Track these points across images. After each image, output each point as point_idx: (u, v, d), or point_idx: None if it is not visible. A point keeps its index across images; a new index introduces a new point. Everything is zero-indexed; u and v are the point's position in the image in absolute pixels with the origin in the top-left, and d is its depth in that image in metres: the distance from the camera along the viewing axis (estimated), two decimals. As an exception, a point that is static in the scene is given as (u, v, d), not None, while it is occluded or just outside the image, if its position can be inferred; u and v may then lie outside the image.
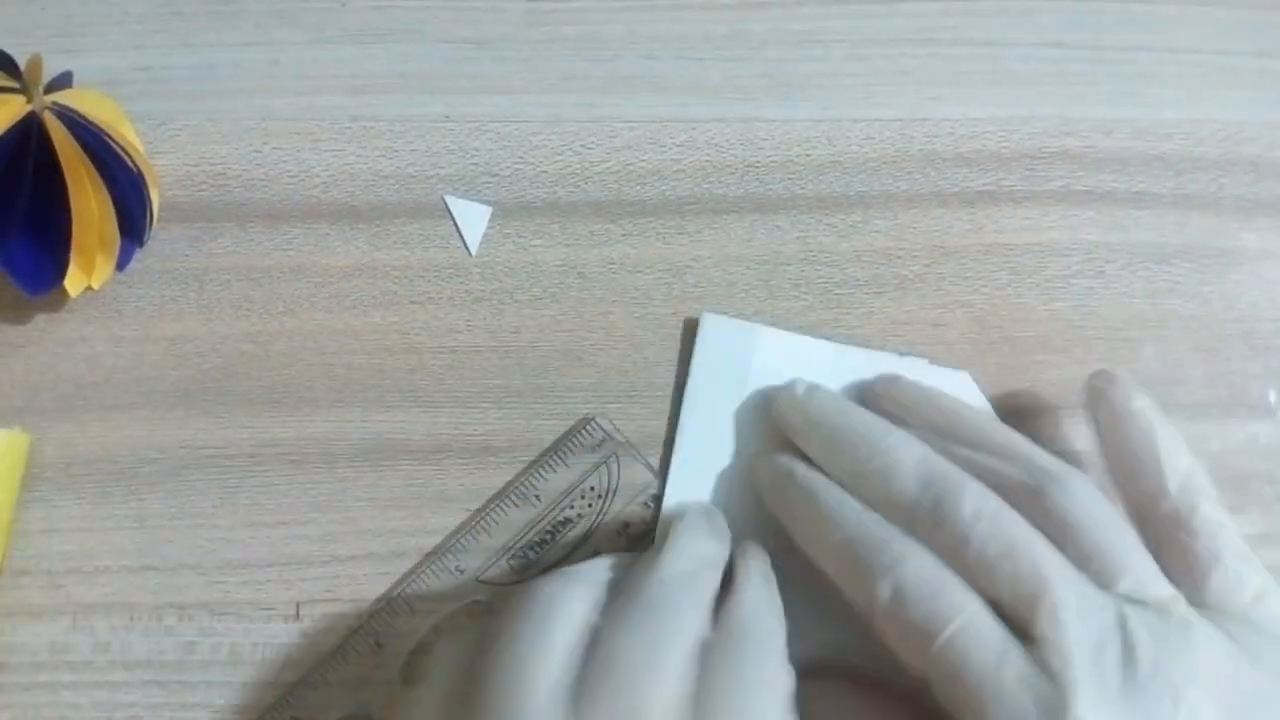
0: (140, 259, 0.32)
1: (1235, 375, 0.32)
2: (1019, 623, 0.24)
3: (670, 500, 0.30)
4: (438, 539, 0.30)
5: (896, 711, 0.26)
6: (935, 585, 0.24)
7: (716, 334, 0.31)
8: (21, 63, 0.28)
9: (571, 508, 0.30)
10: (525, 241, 0.32)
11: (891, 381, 0.30)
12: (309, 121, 0.33)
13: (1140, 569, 0.25)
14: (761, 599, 0.26)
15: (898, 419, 0.29)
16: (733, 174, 0.33)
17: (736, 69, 0.34)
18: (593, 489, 0.30)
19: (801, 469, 0.28)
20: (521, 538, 0.29)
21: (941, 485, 0.26)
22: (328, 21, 0.34)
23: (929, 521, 0.25)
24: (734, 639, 0.24)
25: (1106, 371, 0.29)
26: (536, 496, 0.30)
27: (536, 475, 0.30)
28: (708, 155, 0.34)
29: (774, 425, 0.30)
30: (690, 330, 0.31)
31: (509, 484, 0.30)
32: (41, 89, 0.28)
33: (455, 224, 0.32)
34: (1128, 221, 0.33)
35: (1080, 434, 0.31)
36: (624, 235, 0.33)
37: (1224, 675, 0.23)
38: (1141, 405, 0.28)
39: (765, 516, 0.29)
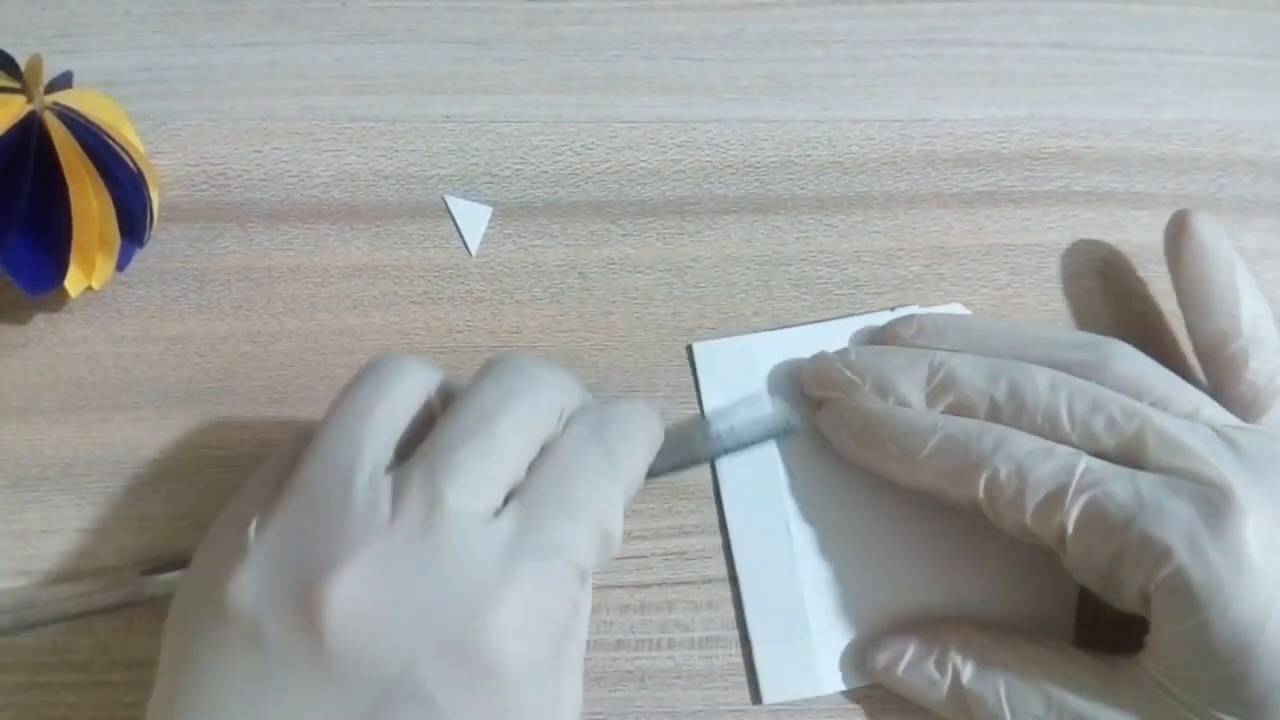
0: (140, 259, 0.32)
1: (1235, 375, 0.32)
2: (1131, 463, 0.25)
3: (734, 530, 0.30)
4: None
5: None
6: (1044, 451, 0.26)
7: (713, 359, 0.31)
8: (22, 63, 0.28)
9: None
10: (525, 241, 0.32)
11: (907, 320, 0.30)
12: (309, 121, 0.33)
13: (1209, 406, 0.27)
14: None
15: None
16: (733, 174, 0.33)
17: (736, 69, 0.34)
18: None
19: (870, 401, 0.29)
20: None
21: (1009, 374, 0.27)
22: (328, 21, 0.34)
23: (1011, 408, 0.27)
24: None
25: (1191, 210, 0.30)
26: None
27: None
28: (708, 155, 0.34)
29: (814, 398, 0.30)
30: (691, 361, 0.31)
31: None
32: (42, 89, 0.28)
33: (455, 224, 0.32)
34: (1128, 221, 0.33)
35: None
36: (624, 235, 0.33)
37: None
38: (1226, 245, 0.29)
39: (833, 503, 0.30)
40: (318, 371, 0.31)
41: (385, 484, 0.22)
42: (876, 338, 0.31)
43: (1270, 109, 0.35)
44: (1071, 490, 0.25)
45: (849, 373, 0.29)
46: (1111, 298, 0.33)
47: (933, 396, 0.28)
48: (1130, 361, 0.27)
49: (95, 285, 0.30)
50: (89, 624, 0.29)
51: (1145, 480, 0.25)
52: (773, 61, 0.35)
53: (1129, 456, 0.25)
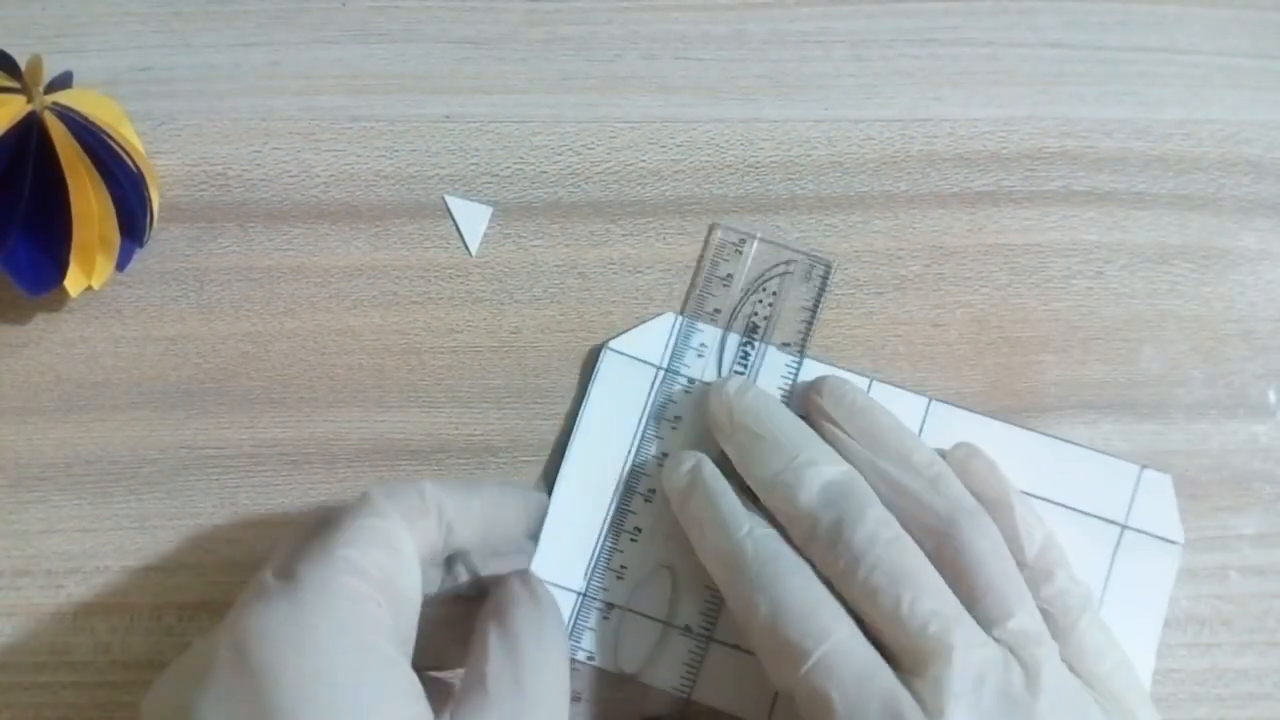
0: (140, 259, 0.32)
1: (1235, 375, 0.32)
2: (898, 652, 0.24)
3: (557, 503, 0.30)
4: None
5: None
6: (811, 605, 0.25)
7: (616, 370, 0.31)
8: (22, 63, 0.28)
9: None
10: (525, 241, 0.32)
11: (837, 384, 0.30)
12: (309, 121, 0.33)
13: (1026, 617, 0.25)
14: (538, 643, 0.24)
15: (833, 423, 0.29)
16: (733, 174, 0.33)
17: (736, 69, 0.34)
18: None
19: (709, 471, 0.28)
20: None
21: (844, 505, 0.26)
22: (328, 21, 0.34)
23: (825, 540, 0.26)
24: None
25: (967, 444, 0.29)
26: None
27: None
28: (708, 155, 0.34)
29: (705, 422, 0.30)
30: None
31: None
32: (42, 89, 0.28)
33: (455, 224, 0.32)
34: (1127, 222, 0.33)
35: (1079, 434, 0.31)
36: (624, 235, 0.33)
37: None
38: (999, 477, 0.28)
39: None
40: (318, 371, 0.31)
41: None
42: (806, 390, 0.30)
43: (1270, 109, 0.35)
44: (811, 659, 0.24)
45: (728, 422, 0.29)
46: (1111, 298, 0.33)
47: (775, 489, 0.27)
48: (979, 541, 0.26)
49: (95, 285, 0.30)
50: (89, 624, 0.29)
51: (879, 680, 0.24)
52: (773, 61, 0.35)
53: (898, 645, 0.25)
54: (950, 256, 0.33)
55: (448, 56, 0.34)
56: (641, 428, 0.30)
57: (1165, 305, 0.33)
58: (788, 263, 0.31)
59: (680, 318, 0.31)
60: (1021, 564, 0.27)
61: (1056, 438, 0.31)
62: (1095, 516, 0.30)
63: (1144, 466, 0.30)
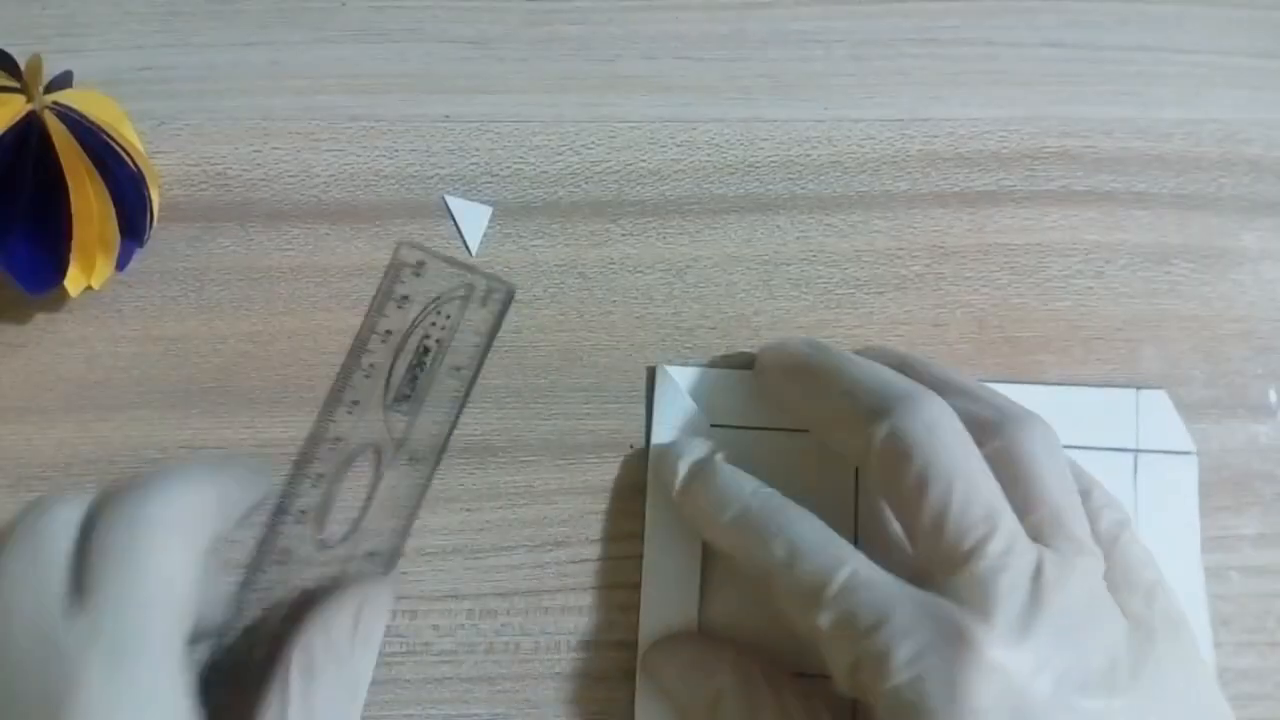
0: (140, 259, 0.32)
1: (1235, 375, 0.32)
2: (936, 560, 0.24)
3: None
4: (437, 539, 0.30)
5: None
6: (825, 540, 0.25)
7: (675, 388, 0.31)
8: (22, 62, 0.28)
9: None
10: (525, 241, 0.32)
11: (873, 348, 0.31)
12: (309, 121, 0.33)
13: (1076, 525, 0.25)
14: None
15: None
16: (733, 174, 0.33)
17: (736, 69, 0.34)
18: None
19: (707, 455, 0.29)
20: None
21: (900, 401, 0.26)
22: (328, 21, 0.34)
23: (883, 437, 0.25)
24: None
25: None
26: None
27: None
28: (708, 155, 0.34)
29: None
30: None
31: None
32: (42, 88, 0.28)
33: (455, 224, 0.32)
34: (1128, 221, 0.33)
35: (1079, 435, 0.31)
36: (624, 235, 0.33)
37: (1119, 642, 0.24)
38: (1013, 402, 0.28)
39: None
40: (318, 371, 0.31)
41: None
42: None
43: (1270, 108, 0.35)
44: (833, 587, 0.24)
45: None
46: (1111, 297, 0.33)
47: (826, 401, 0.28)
48: (1030, 444, 0.26)
49: (95, 285, 0.30)
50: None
51: (906, 594, 0.24)
52: (773, 61, 0.35)
53: (937, 550, 0.24)
54: (950, 256, 0.33)
55: (448, 56, 0.34)
56: None
57: (1165, 305, 0.33)
58: (467, 285, 0.31)
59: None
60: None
61: (1045, 384, 0.31)
62: (1106, 449, 0.30)
63: (1139, 388, 0.30)
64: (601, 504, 0.30)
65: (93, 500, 0.25)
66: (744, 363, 0.31)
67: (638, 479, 0.30)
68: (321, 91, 0.34)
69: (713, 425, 0.30)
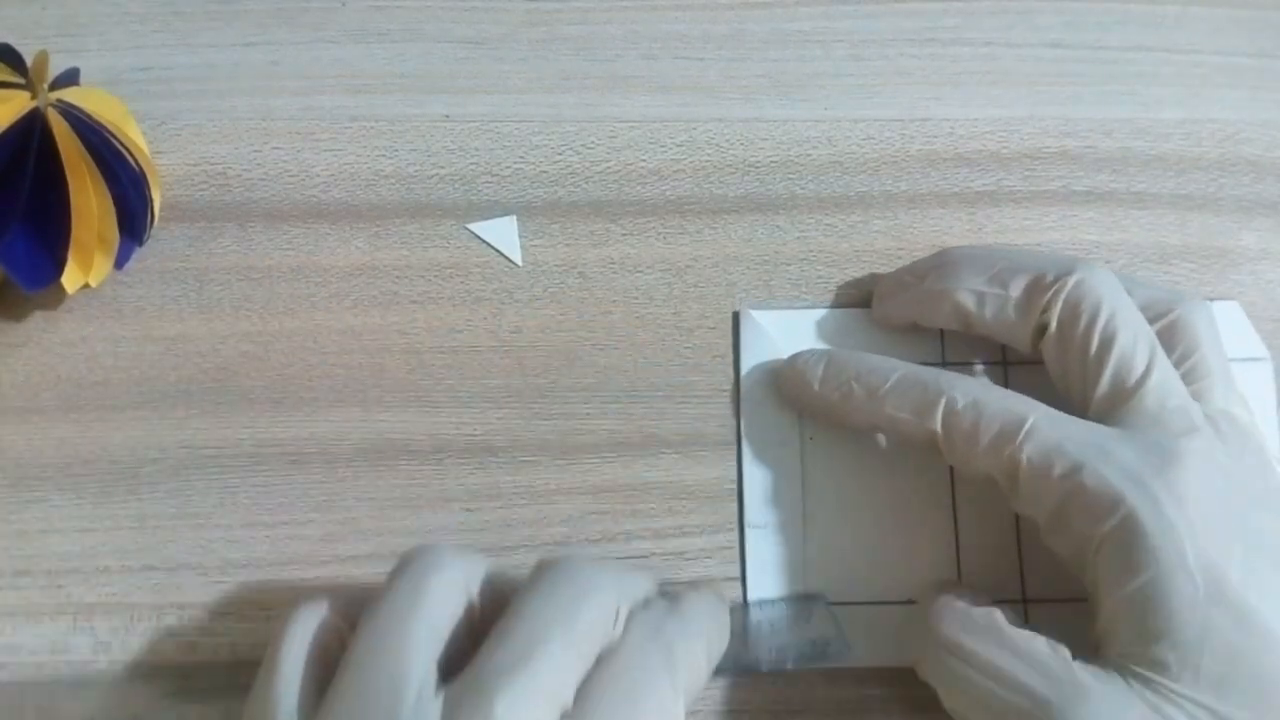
0: (140, 258, 0.32)
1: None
2: (1109, 390, 0.26)
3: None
4: (437, 538, 0.30)
5: None
6: (1001, 392, 0.27)
7: (759, 330, 0.32)
8: (28, 59, 0.28)
9: None
10: (525, 241, 0.32)
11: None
12: (309, 121, 0.33)
13: (1232, 401, 0.27)
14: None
15: None
16: (733, 174, 0.33)
17: (736, 69, 0.34)
18: None
19: (835, 350, 0.30)
20: None
21: (1062, 263, 0.28)
22: (328, 21, 0.34)
23: (1068, 301, 0.27)
24: None
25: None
26: None
27: None
28: (708, 155, 0.34)
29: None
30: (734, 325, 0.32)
31: None
32: (46, 85, 0.28)
33: (491, 246, 0.32)
34: (1127, 221, 0.33)
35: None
36: (624, 235, 0.33)
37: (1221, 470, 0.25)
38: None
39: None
40: (318, 371, 0.31)
41: (434, 708, 0.21)
42: None
43: (1270, 109, 0.35)
44: (1026, 426, 0.25)
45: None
46: (1111, 297, 0.33)
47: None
48: (1199, 316, 0.28)
49: (93, 283, 0.30)
50: (89, 624, 0.29)
51: (1098, 430, 0.25)
52: (773, 61, 0.35)
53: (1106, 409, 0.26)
54: (950, 256, 0.33)
55: (448, 56, 0.34)
56: None
57: (1165, 305, 0.33)
58: None
59: None
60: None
61: None
62: None
63: (1212, 299, 0.32)
64: (602, 504, 0.30)
65: (490, 564, 0.24)
66: (826, 303, 0.32)
67: (637, 477, 0.30)
68: (321, 91, 0.34)
69: None
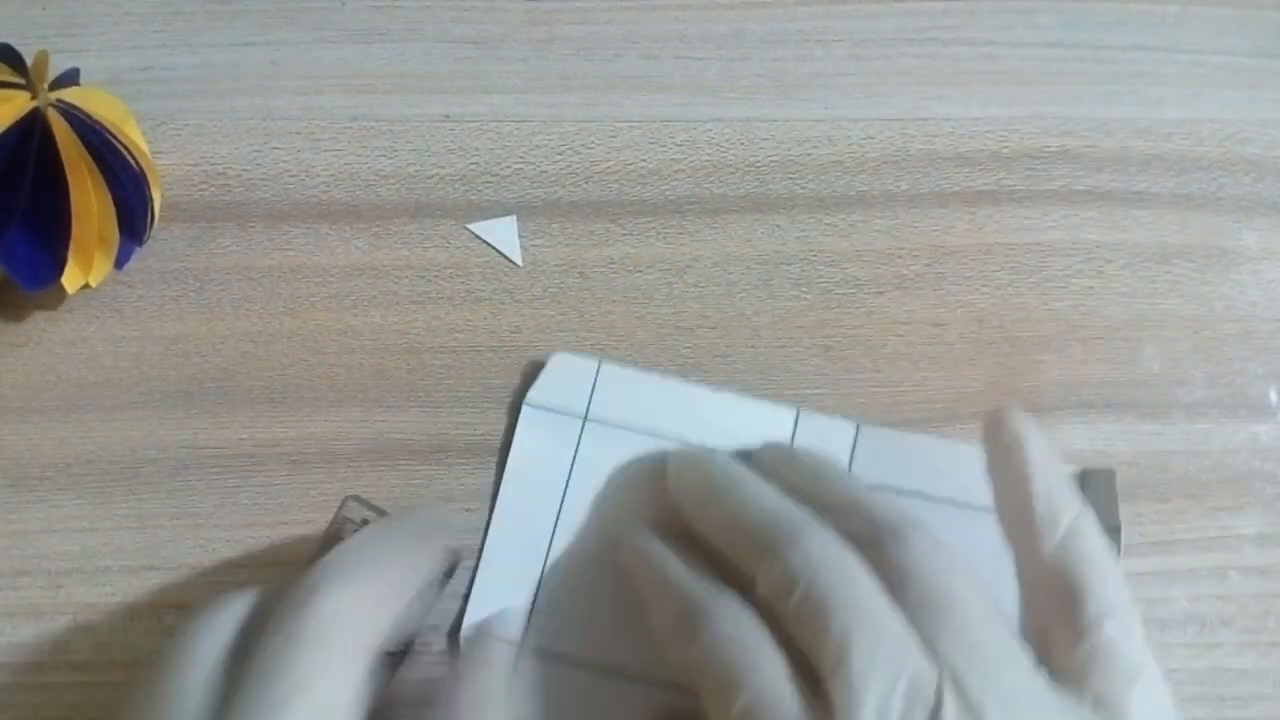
0: (140, 258, 0.32)
1: (1235, 375, 0.32)
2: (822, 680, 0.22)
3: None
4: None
5: None
6: (739, 644, 0.23)
7: (557, 372, 0.30)
8: (27, 60, 0.28)
9: None
10: (525, 241, 0.32)
11: (769, 447, 0.29)
12: (309, 121, 0.33)
13: (974, 627, 0.22)
14: None
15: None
16: (733, 174, 0.33)
17: (736, 69, 0.34)
18: None
19: (646, 536, 0.27)
20: None
21: (787, 528, 0.24)
22: (328, 21, 0.34)
23: (766, 559, 0.24)
24: None
25: (1003, 405, 0.27)
26: None
27: None
28: (708, 155, 0.34)
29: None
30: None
31: None
32: (46, 85, 0.28)
33: (491, 246, 0.32)
34: (1128, 221, 0.33)
35: (1079, 434, 0.31)
36: (624, 235, 0.33)
37: None
38: (1030, 438, 0.26)
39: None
40: (318, 371, 0.31)
41: None
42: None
43: (1270, 108, 0.35)
44: (737, 704, 0.22)
45: (688, 476, 0.28)
46: (1112, 297, 0.33)
47: (722, 520, 0.26)
48: (909, 553, 0.23)
49: (93, 283, 0.30)
50: (89, 624, 0.29)
51: None
52: (773, 61, 0.35)
53: (822, 671, 0.22)
54: (951, 256, 0.33)
55: (448, 56, 0.34)
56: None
57: (1166, 305, 0.33)
58: None
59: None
60: (1047, 542, 0.24)
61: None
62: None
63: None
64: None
65: (256, 599, 0.23)
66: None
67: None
68: (321, 91, 0.34)
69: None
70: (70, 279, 0.29)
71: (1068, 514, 0.25)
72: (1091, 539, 0.24)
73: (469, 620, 0.28)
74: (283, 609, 0.22)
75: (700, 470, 0.28)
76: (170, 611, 0.29)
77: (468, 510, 0.30)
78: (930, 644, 0.22)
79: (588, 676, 0.28)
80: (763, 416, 0.30)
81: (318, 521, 0.30)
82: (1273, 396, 0.32)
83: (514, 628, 0.28)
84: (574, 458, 0.30)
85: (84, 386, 0.31)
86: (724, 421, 0.30)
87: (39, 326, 0.31)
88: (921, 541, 0.24)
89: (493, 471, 0.30)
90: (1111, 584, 0.24)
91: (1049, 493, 0.25)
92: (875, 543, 0.24)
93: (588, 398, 0.30)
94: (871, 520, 0.25)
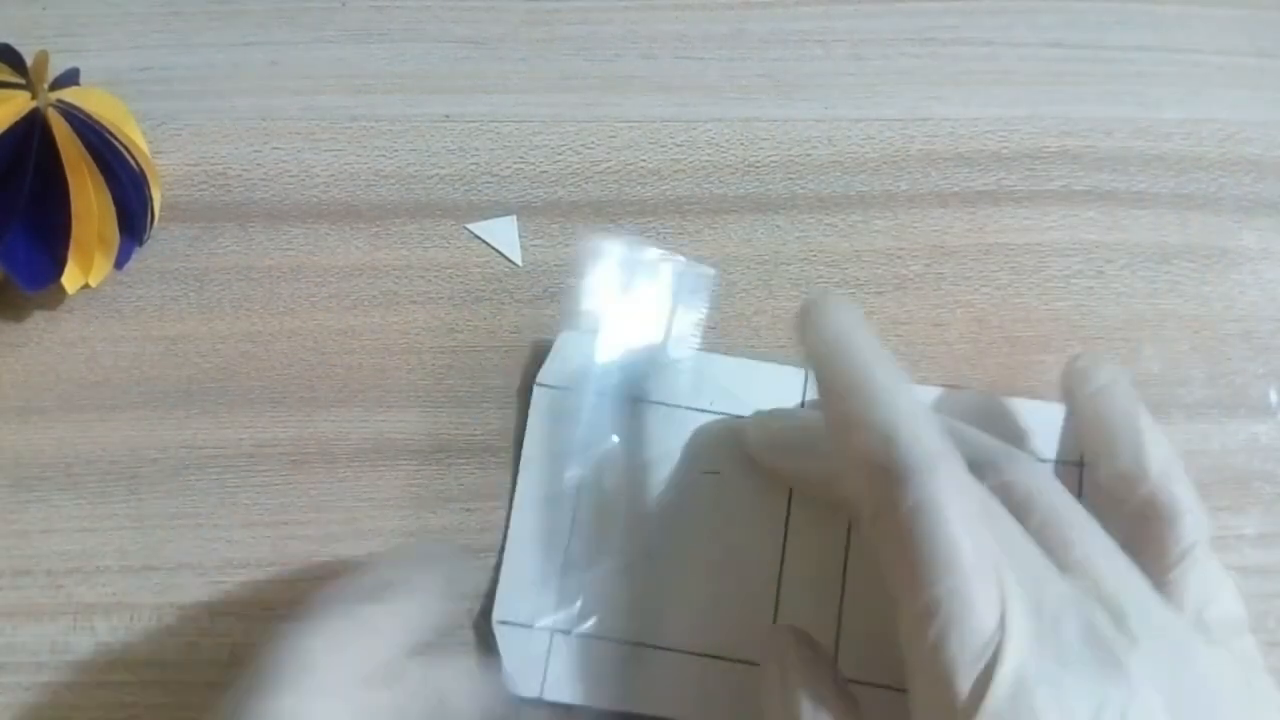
0: (140, 258, 0.32)
1: (1235, 375, 0.32)
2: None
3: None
4: (437, 539, 0.30)
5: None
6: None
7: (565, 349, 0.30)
8: (27, 60, 0.28)
9: None
10: (525, 241, 0.32)
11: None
12: (309, 121, 0.33)
13: (1099, 543, 0.24)
14: None
15: None
16: (733, 174, 0.33)
17: (736, 69, 0.34)
18: None
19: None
20: None
21: (917, 456, 0.23)
22: (328, 21, 0.34)
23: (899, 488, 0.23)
24: None
25: (1091, 353, 0.29)
26: None
27: None
28: (708, 155, 0.34)
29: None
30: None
31: None
32: (46, 85, 0.28)
33: (491, 247, 0.32)
34: (1128, 221, 0.33)
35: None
36: (624, 235, 0.33)
37: (1169, 675, 0.22)
38: (1126, 385, 0.28)
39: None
40: (318, 371, 0.31)
41: None
42: None
43: (1271, 108, 0.35)
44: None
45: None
46: (1112, 297, 0.33)
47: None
48: (1032, 478, 0.24)
49: (93, 283, 0.30)
50: (89, 624, 0.29)
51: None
52: (773, 61, 0.35)
53: None
54: (951, 256, 0.33)
55: (448, 56, 0.34)
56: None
57: (1166, 305, 0.33)
58: None
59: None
60: (1142, 479, 0.25)
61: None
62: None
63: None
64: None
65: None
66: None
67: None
68: (321, 91, 0.34)
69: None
70: (70, 279, 0.29)
71: (1161, 447, 0.26)
72: (1181, 471, 0.26)
73: (498, 606, 0.28)
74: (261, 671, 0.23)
75: (795, 418, 0.29)
76: (170, 611, 0.29)
77: (467, 510, 0.30)
78: (1060, 563, 0.23)
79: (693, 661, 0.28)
80: (772, 377, 0.30)
81: (317, 521, 0.30)
82: (1273, 396, 0.32)
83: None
84: (588, 432, 0.30)
85: (84, 386, 0.31)
86: (732, 384, 0.30)
87: (39, 326, 0.31)
88: (1032, 463, 0.25)
89: (493, 471, 0.30)
90: (1199, 513, 0.26)
91: (1151, 429, 0.27)
92: (991, 466, 0.24)
93: (597, 372, 0.30)
94: (978, 447, 0.25)
